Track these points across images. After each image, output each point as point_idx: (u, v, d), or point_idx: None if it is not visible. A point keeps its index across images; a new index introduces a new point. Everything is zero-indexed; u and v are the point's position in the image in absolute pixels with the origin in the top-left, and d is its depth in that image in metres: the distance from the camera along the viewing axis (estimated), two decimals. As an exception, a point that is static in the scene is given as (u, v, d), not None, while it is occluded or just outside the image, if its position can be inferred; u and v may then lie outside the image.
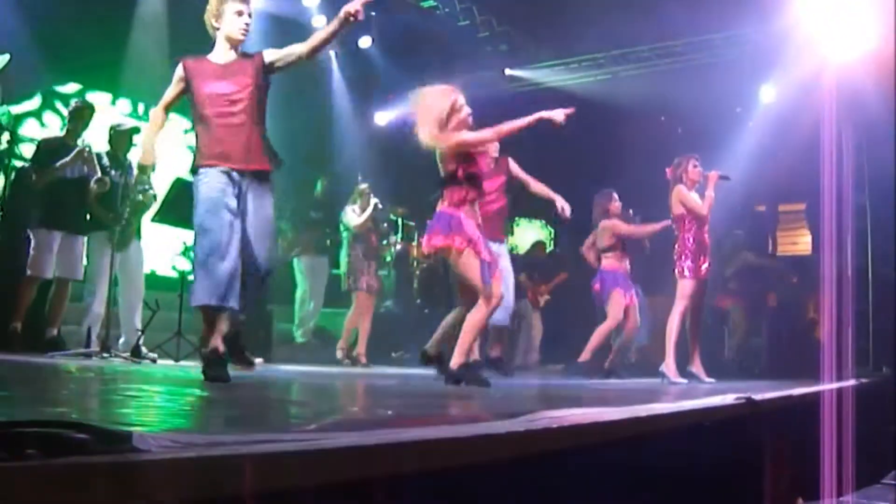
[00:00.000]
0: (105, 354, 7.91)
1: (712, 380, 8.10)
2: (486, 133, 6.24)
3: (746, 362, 11.71)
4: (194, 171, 5.30)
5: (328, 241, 11.24)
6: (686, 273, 8.22)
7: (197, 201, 5.22)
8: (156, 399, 3.67)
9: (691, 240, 8.26)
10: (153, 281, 9.90)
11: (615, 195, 9.76)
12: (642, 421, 3.05)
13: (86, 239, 8.52)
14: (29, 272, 8.22)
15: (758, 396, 4.28)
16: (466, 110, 6.18)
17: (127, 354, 8.01)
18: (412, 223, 14.00)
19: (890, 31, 8.65)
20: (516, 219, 14.73)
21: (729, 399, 4.22)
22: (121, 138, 8.71)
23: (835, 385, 6.13)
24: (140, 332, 8.39)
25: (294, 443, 1.75)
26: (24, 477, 1.27)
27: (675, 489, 3.24)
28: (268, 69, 5.42)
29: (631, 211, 10.31)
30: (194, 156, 5.40)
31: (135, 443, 1.49)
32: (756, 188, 12.28)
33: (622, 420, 2.91)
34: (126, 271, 8.59)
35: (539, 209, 13.40)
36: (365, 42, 13.32)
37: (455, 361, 6.01)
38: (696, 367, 8.26)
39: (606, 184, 10.13)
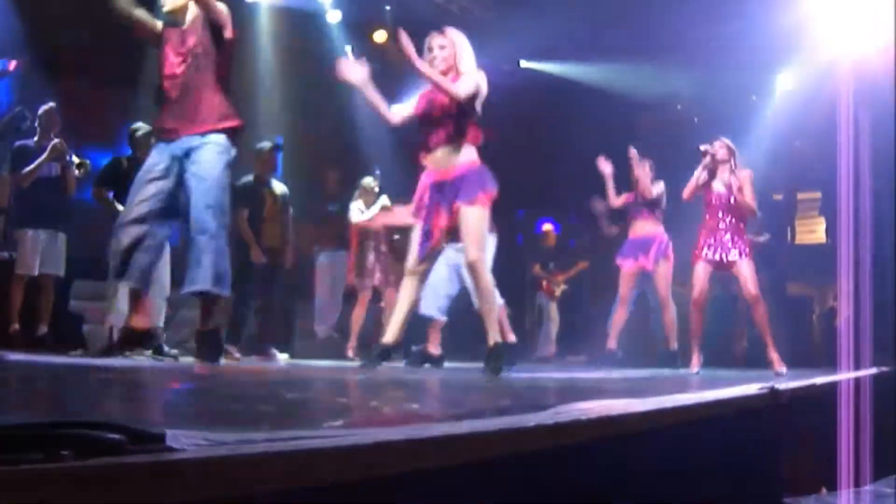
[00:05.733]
0: (127, 353, 7.96)
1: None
2: None
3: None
4: None
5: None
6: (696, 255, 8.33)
7: None
8: (182, 397, 3.69)
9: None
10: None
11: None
12: (667, 412, 3.05)
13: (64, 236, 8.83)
14: (17, 271, 8.55)
15: (781, 386, 4.28)
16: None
17: (149, 353, 8.04)
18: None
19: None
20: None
21: (752, 389, 4.21)
22: (141, 140, 8.81)
23: (853, 374, 6.11)
24: (161, 331, 8.44)
25: (324, 439, 1.75)
26: (60, 477, 1.28)
27: (700, 479, 3.25)
28: None
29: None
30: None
31: (168, 442, 1.50)
32: (773, 176, 12.25)
33: (648, 412, 2.91)
34: (152, 269, 8.68)
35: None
36: (380, 36, 13.28)
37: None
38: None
39: (624, 171, 10.16)
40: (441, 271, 8.05)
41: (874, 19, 9.48)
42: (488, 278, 5.91)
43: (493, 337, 5.91)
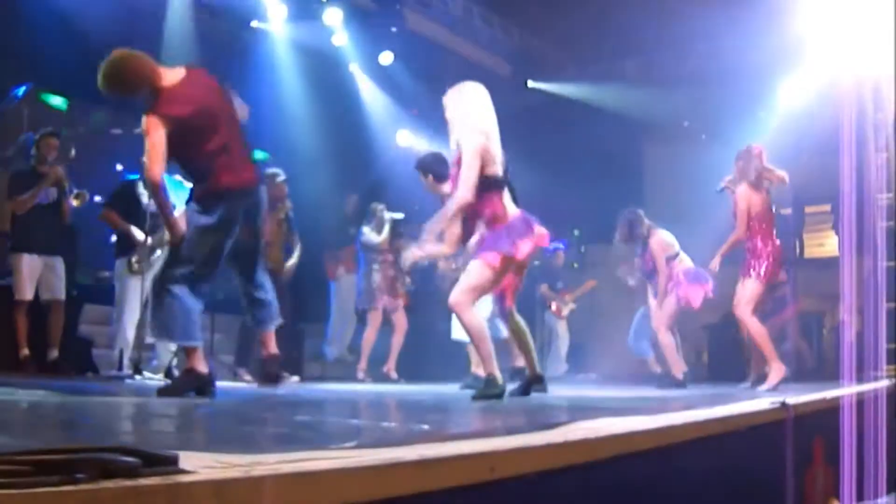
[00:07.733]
0: (137, 376, 8.01)
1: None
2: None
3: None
4: None
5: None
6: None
7: None
8: (194, 419, 3.70)
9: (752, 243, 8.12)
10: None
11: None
12: (678, 428, 3.06)
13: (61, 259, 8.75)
14: (15, 297, 8.47)
15: (792, 400, 4.27)
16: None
17: (160, 376, 8.07)
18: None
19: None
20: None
21: (764, 403, 4.21)
22: None
23: (868, 386, 6.08)
24: (173, 354, 8.46)
25: (335, 460, 1.77)
26: (75, 501, 1.29)
27: (712, 495, 3.24)
28: None
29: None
30: None
31: (182, 464, 1.52)
32: (782, 191, 12.24)
33: (658, 428, 2.91)
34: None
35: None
36: (386, 58, 13.26)
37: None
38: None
39: (632, 189, 10.07)
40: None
41: (877, 32, 9.46)
42: (470, 318, 5.84)
43: (487, 369, 5.86)
